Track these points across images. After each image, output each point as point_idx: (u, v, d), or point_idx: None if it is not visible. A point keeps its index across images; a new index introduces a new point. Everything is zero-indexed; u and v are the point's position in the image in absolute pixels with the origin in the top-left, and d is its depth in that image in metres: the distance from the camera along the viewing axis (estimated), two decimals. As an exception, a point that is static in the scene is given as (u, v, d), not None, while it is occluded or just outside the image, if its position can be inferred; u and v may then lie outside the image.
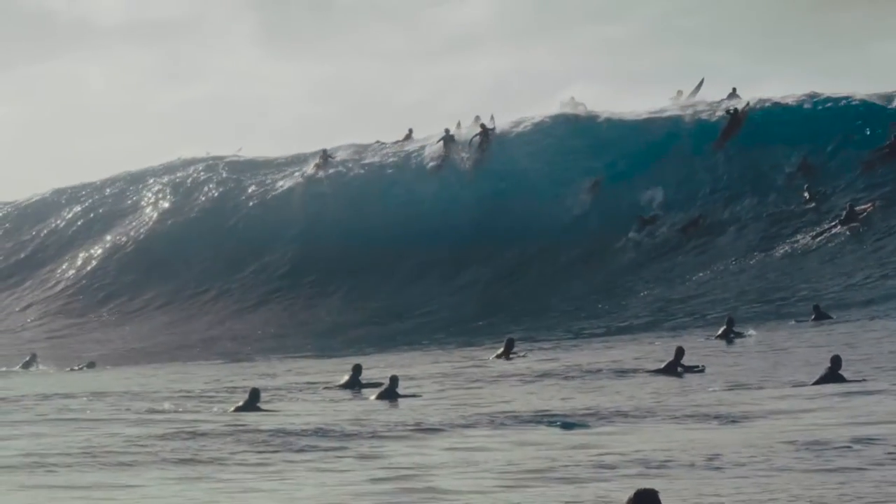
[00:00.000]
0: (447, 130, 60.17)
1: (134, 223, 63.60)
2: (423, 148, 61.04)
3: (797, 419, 19.75)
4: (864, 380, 24.38)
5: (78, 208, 67.58)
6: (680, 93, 61.75)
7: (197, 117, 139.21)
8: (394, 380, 26.40)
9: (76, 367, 39.88)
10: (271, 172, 64.26)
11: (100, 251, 61.65)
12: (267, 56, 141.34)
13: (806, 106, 57.52)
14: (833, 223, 47.70)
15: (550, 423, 20.50)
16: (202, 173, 65.93)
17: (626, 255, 50.28)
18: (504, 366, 31.77)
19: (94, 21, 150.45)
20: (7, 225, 69.46)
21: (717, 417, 20.41)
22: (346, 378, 28.82)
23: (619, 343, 35.95)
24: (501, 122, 60.45)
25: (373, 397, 26.19)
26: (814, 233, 47.65)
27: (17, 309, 58.28)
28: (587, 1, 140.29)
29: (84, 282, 59.21)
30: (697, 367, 28.28)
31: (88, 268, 60.47)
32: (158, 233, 61.80)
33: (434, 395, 26.40)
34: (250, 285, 54.71)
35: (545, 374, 29.05)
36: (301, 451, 18.32)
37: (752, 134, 55.27)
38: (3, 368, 40.60)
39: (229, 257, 56.84)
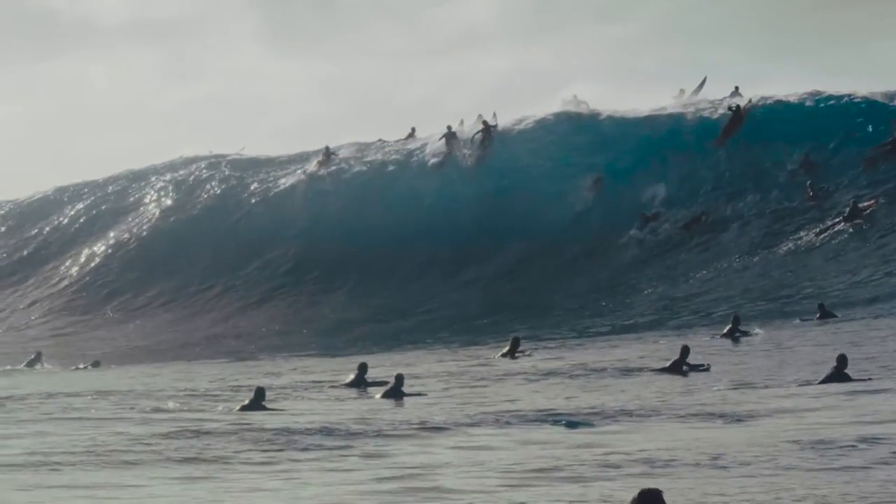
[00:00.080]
0: (449, 127, 60.18)
1: (136, 220, 63.61)
2: (425, 146, 61.04)
3: (802, 418, 19.73)
4: (870, 379, 24.34)
5: (81, 206, 67.59)
6: (682, 91, 61.72)
7: (200, 116, 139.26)
8: (399, 378, 26.40)
9: (81, 366, 39.89)
10: (274, 170, 64.26)
11: (103, 248, 61.66)
12: (270, 55, 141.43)
13: (808, 103, 57.49)
14: (836, 220, 47.66)
15: (555, 422, 20.48)
16: (204, 171, 65.94)
17: (629, 252, 50.24)
18: (509, 364, 31.76)
19: (96, 20, 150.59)
20: (10, 222, 69.48)
21: (722, 416, 20.38)
22: (351, 377, 28.83)
23: (624, 342, 35.92)
24: (504, 121, 60.43)
25: (378, 396, 26.19)
26: (817, 230, 47.60)
27: (20, 307, 58.30)
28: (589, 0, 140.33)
29: (87, 279, 59.22)
30: (703, 365, 28.26)
31: (92, 265, 60.48)
32: (161, 230, 61.79)
33: (439, 393, 26.40)
34: (253, 282, 54.71)
35: (550, 373, 29.03)
36: (306, 449, 18.31)
37: (755, 131, 55.24)
38: (8, 367, 40.60)
39: (232, 255, 56.82)
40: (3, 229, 68.83)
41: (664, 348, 32.09)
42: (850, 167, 51.79)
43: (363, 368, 28.83)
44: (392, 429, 20.16)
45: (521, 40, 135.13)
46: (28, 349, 44.47)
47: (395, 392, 25.98)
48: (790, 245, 47.23)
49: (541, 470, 15.88)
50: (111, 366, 39.72)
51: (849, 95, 57.42)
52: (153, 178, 67.50)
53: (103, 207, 66.60)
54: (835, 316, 36.11)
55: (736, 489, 14.20)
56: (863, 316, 36.27)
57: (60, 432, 20.34)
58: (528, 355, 33.27)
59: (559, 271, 49.68)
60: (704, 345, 32.55)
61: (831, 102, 57.25)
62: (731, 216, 50.90)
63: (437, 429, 20.15)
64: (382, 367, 31.14)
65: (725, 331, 34.84)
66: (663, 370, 28.24)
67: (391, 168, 60.71)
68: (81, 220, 66.04)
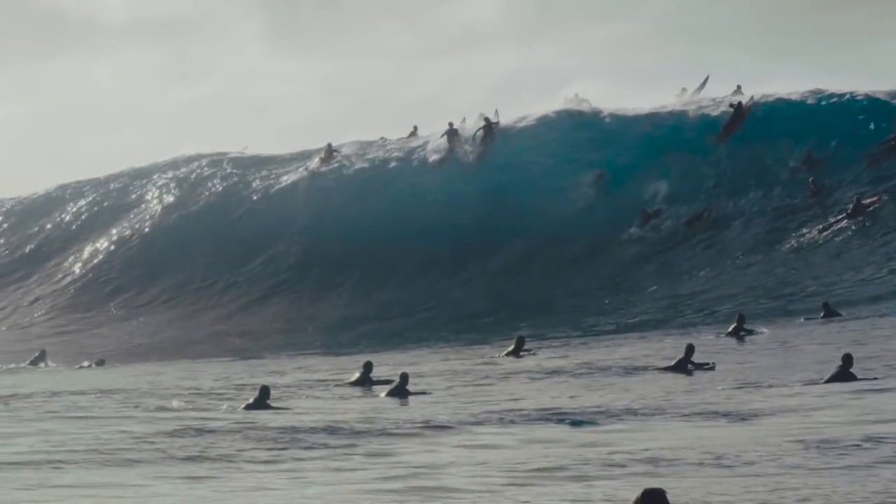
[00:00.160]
0: (451, 124, 60.15)
1: (139, 217, 63.59)
2: (426, 143, 61.05)
3: (807, 417, 19.70)
4: (876, 378, 24.30)
5: (83, 203, 67.57)
6: (684, 90, 61.66)
7: (203, 115, 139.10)
8: (404, 377, 26.43)
9: (85, 364, 39.88)
10: (276, 168, 64.26)
11: (105, 245, 61.64)
12: (273, 54, 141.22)
13: (810, 101, 57.46)
14: (839, 217, 47.62)
15: (559, 421, 20.48)
16: (206, 169, 65.93)
17: (631, 249, 50.20)
18: (513, 363, 31.74)
19: (101, 19, 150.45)
20: (12, 219, 69.46)
21: (726, 415, 20.36)
22: (356, 375, 28.86)
23: (628, 340, 35.88)
24: (505, 118, 60.42)
25: (383, 394, 26.22)
26: (820, 227, 47.55)
27: (24, 304, 58.29)
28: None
29: (90, 276, 59.21)
30: (708, 364, 28.24)
31: (94, 262, 60.46)
32: (164, 227, 61.76)
33: (443, 392, 26.39)
34: (256, 279, 54.70)
35: (554, 372, 29.02)
36: (310, 448, 18.31)
37: (756, 129, 55.19)
38: (12, 365, 40.61)
39: (234, 252, 56.77)
40: (5, 226, 68.83)
41: (669, 347, 32.07)
42: (852, 164, 51.72)
43: (368, 367, 28.85)
44: (396, 427, 20.16)
45: (524, 39, 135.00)
46: (32, 347, 44.46)
47: (400, 391, 26.00)
48: (793, 242, 47.19)
49: (545, 469, 15.87)
50: (115, 364, 39.71)
51: (850, 93, 57.40)
52: (155, 176, 67.48)
53: (105, 204, 66.57)
54: (839, 315, 36.06)
55: (740, 488, 14.18)
56: (868, 314, 36.21)
57: (64, 431, 20.34)
58: (534, 354, 33.24)
59: (561, 268, 49.65)
60: (709, 343, 32.52)
61: (833, 100, 57.21)
62: (734, 213, 50.86)
63: (442, 427, 20.14)
64: (387, 365, 31.15)
65: (730, 329, 34.81)
66: (668, 369, 28.23)
67: (393, 165, 60.71)
68: (84, 217, 66.01)
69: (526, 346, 33.79)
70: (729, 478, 14.89)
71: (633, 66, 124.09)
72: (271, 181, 62.86)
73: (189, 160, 67.87)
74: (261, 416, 22.01)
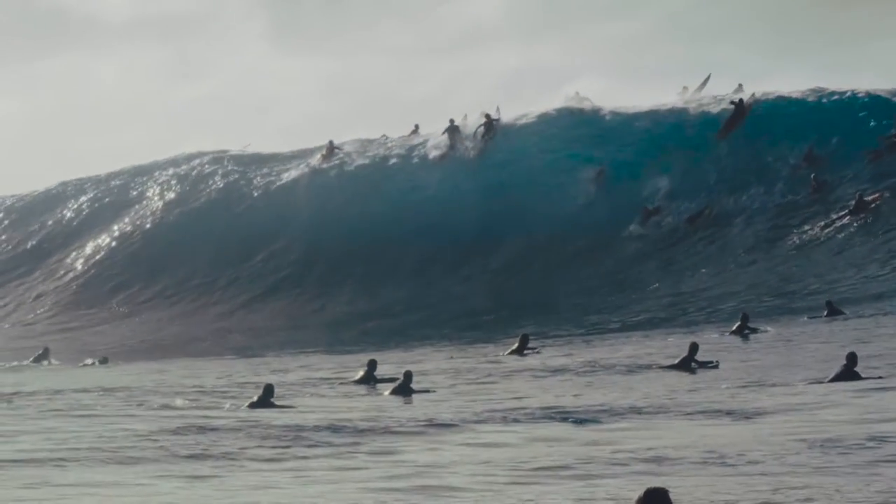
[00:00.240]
0: (451, 121, 60.18)
1: (140, 214, 63.61)
2: (427, 141, 61.08)
3: (812, 416, 19.67)
4: (881, 377, 24.26)
5: (84, 200, 67.58)
6: (685, 89, 61.70)
7: (205, 113, 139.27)
8: (408, 375, 26.44)
9: (89, 362, 39.87)
10: (277, 165, 64.27)
11: (107, 242, 61.67)
12: (275, 52, 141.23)
13: (811, 99, 57.48)
14: (842, 213, 47.60)
15: (563, 420, 20.46)
16: (207, 166, 65.95)
17: (632, 246, 50.22)
18: (517, 361, 31.72)
19: (103, 17, 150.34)
20: (13, 216, 69.49)
21: (730, 414, 20.33)
22: (361, 373, 28.87)
23: (632, 338, 35.87)
24: (506, 116, 60.43)
25: (387, 392, 26.22)
26: (822, 224, 47.54)
27: (26, 300, 58.32)
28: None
29: (93, 272, 59.24)
30: (712, 362, 28.22)
31: (96, 258, 60.49)
32: (165, 223, 61.81)
33: (447, 390, 26.39)
34: (258, 275, 54.74)
35: (558, 370, 29.00)
36: (314, 446, 18.30)
37: (757, 126, 55.22)
38: (15, 363, 40.60)
39: (236, 248, 56.79)
40: (6, 223, 68.83)
41: (672, 345, 32.05)
42: (853, 161, 51.72)
43: (373, 365, 28.87)
44: (400, 426, 20.14)
45: (526, 38, 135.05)
46: (35, 344, 44.44)
47: (404, 389, 26.01)
48: (795, 239, 47.18)
49: (548, 467, 15.85)
50: (118, 362, 39.71)
51: (852, 90, 57.40)
52: (156, 173, 67.49)
53: (107, 201, 66.58)
54: (843, 313, 36.03)
55: (744, 487, 14.15)
56: (871, 313, 36.18)
57: (67, 429, 20.33)
58: (538, 352, 33.21)
59: (562, 265, 49.67)
60: (713, 342, 32.50)
61: (834, 98, 57.22)
62: (735, 210, 50.87)
63: (445, 426, 20.13)
64: (390, 363, 31.15)
65: (734, 328, 34.79)
66: (672, 367, 28.21)
67: (393, 161, 60.74)
68: (85, 214, 66.04)
69: (530, 345, 33.76)
70: (732, 476, 14.87)
71: (635, 64, 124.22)
72: (272, 178, 62.88)
73: (190, 158, 67.91)
74: (264, 415, 21.99)
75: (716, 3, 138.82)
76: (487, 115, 59.58)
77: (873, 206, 47.20)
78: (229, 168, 65.18)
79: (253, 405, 23.81)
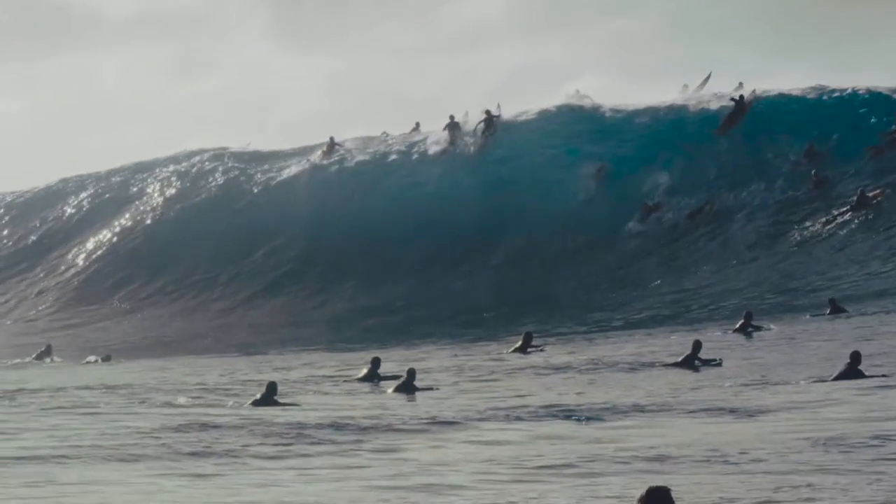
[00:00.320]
0: (452, 117, 60.20)
1: (141, 210, 63.61)
2: (427, 138, 61.09)
3: (815, 414, 19.65)
4: (885, 375, 24.22)
5: (84, 196, 67.58)
6: (686, 87, 61.69)
7: (208, 111, 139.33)
8: (411, 373, 26.47)
9: (92, 360, 39.86)
10: (278, 162, 64.27)
11: (108, 237, 61.67)
12: (278, 50, 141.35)
13: (811, 96, 57.47)
14: (843, 209, 47.56)
15: (566, 417, 20.45)
16: (208, 163, 65.95)
17: (633, 242, 50.21)
18: (520, 359, 31.70)
19: (107, 14, 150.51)
20: (14, 212, 69.49)
21: (733, 412, 20.32)
22: (364, 371, 28.88)
23: (635, 336, 35.83)
24: (507, 113, 60.42)
25: (390, 390, 26.22)
26: (824, 220, 47.50)
27: (27, 296, 58.32)
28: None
29: (94, 268, 59.23)
30: (715, 360, 28.20)
31: (97, 254, 60.50)
32: (166, 219, 61.81)
33: (450, 388, 26.38)
34: (259, 272, 54.74)
35: (561, 368, 28.99)
36: (317, 444, 18.29)
37: (758, 123, 55.21)
38: (18, 360, 40.60)
39: (237, 244, 56.77)
40: (7, 219, 68.84)
41: (675, 343, 32.03)
42: (854, 157, 51.70)
43: (376, 363, 28.89)
44: (402, 423, 20.13)
45: (529, 37, 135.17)
46: (37, 341, 44.44)
47: (407, 386, 26.01)
48: (797, 236, 47.15)
49: (551, 465, 15.84)
50: (121, 359, 39.69)
51: (852, 88, 57.43)
52: (157, 170, 67.49)
53: (107, 197, 66.58)
54: (846, 311, 36.00)
55: (747, 485, 14.13)
56: (874, 310, 36.14)
57: (70, 426, 20.33)
58: (542, 350, 33.17)
59: (563, 261, 49.67)
60: (717, 340, 32.48)
61: (835, 94, 57.23)
62: (736, 206, 50.84)
63: (448, 424, 20.12)
64: (393, 360, 31.13)
65: (738, 326, 34.76)
66: (675, 365, 28.19)
67: (394, 158, 60.75)
68: (85, 210, 66.03)
69: (534, 343, 33.73)
70: (735, 475, 14.85)
71: (637, 62, 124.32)
72: (273, 174, 62.87)
73: (191, 155, 67.90)
74: (267, 412, 21.98)
75: (717, 2, 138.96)
76: (488, 112, 59.57)
77: (875, 202, 47.16)
78: (230, 165, 65.19)
79: (256, 403, 23.81)
